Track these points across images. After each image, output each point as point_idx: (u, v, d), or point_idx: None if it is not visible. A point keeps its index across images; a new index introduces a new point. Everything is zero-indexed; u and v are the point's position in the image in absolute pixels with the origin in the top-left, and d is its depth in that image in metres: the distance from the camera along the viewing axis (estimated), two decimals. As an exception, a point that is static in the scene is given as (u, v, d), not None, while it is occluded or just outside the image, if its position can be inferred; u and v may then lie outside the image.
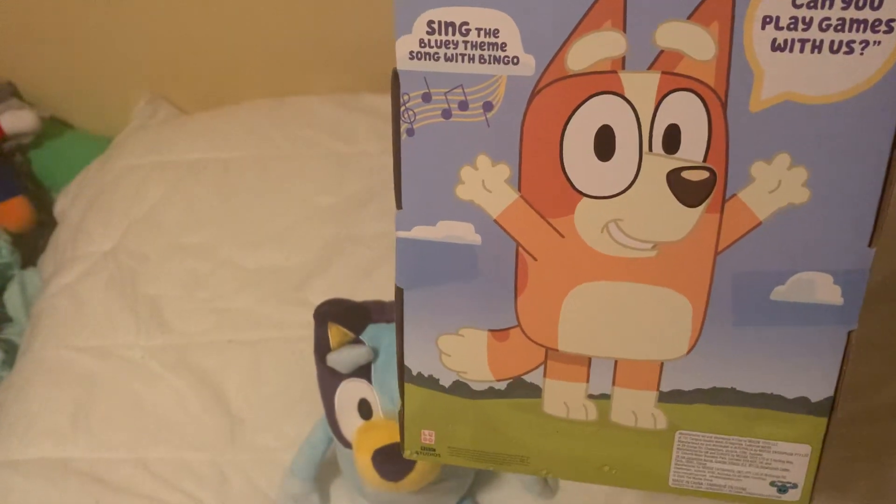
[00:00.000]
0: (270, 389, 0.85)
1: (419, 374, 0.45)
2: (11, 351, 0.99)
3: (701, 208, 0.38)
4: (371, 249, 0.98)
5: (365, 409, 0.64)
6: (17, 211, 1.13)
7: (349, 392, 0.64)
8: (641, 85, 0.36)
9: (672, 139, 0.37)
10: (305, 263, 0.97)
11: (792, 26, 0.34)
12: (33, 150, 1.22)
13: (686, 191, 0.38)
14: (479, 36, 0.37)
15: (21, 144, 1.20)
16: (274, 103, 1.18)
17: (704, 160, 0.37)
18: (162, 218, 1.05)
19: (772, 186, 0.37)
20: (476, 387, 0.45)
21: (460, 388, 0.45)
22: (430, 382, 0.45)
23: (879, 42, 0.34)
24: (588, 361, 0.43)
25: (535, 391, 0.44)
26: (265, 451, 0.80)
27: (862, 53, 0.34)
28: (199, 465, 0.80)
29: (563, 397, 0.44)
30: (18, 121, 1.16)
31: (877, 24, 0.33)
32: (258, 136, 1.13)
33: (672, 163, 0.37)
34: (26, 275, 1.10)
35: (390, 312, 0.66)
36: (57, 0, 1.15)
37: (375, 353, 0.63)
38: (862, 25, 0.34)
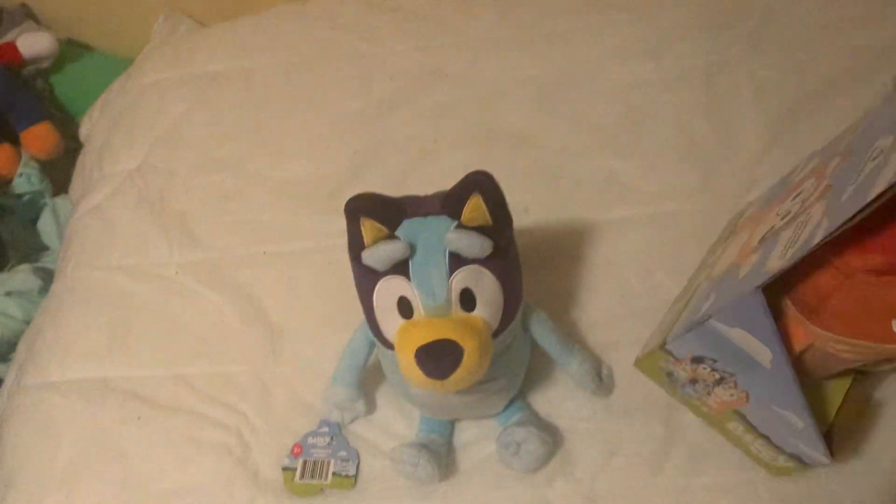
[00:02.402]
0: (308, 300, 0.83)
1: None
2: (48, 279, 1.01)
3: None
4: (403, 153, 0.93)
5: (405, 308, 0.59)
6: (43, 137, 1.11)
7: (387, 290, 0.59)
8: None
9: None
10: (337, 172, 0.93)
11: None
12: (53, 75, 1.17)
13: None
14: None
15: (40, 69, 1.14)
16: (295, 8, 1.11)
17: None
18: (186, 132, 1.01)
19: None
20: None
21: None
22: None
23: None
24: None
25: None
26: (306, 361, 0.77)
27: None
28: (241, 377, 0.78)
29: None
30: (35, 43, 1.11)
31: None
32: (281, 43, 1.07)
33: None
34: (58, 202, 1.10)
35: (426, 206, 0.61)
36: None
37: (412, 248, 0.58)
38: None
